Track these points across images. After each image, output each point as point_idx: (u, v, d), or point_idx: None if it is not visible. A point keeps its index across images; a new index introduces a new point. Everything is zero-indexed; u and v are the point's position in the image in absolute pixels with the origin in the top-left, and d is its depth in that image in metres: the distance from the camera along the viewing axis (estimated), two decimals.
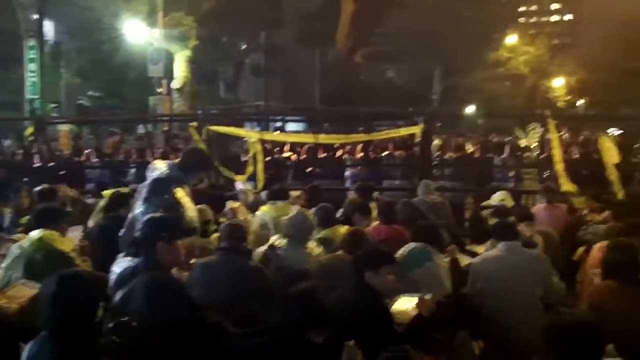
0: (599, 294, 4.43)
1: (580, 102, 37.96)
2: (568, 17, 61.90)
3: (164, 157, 10.26)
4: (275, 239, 5.40)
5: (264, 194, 7.76)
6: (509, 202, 7.38)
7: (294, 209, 6.77)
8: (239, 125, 12.75)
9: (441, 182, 10.59)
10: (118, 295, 3.35)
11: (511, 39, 31.76)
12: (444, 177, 11.72)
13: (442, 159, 12.37)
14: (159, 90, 20.29)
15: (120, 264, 3.96)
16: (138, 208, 4.83)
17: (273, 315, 3.66)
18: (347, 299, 3.92)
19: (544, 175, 10.93)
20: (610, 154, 9.02)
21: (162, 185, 4.87)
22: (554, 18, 64.47)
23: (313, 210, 5.97)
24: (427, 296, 4.00)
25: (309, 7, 25.10)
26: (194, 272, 4.50)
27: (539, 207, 7.68)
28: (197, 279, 4.43)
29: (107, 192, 6.55)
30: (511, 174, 11.45)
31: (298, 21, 26.78)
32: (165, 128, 19.10)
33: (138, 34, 20.29)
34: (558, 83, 34.39)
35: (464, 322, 4.72)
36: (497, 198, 7.28)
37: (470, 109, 34.25)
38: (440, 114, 25.70)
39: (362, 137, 11.09)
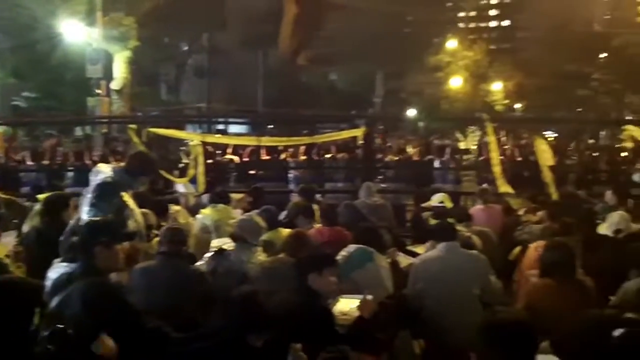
0: (536, 293, 4.57)
1: (518, 106, 39.00)
2: (506, 23, 63.61)
3: (102, 160, 10.06)
4: (222, 243, 5.37)
5: (205, 197, 7.70)
6: (448, 204, 7.53)
7: (237, 212, 6.76)
8: (180, 127, 12.61)
9: (383, 185, 10.74)
10: (54, 302, 3.26)
11: (451, 44, 32.40)
12: (386, 179, 11.87)
13: (384, 161, 12.52)
14: (97, 91, 19.80)
15: (57, 270, 3.86)
16: (84, 213, 4.72)
17: (214, 319, 3.63)
18: (289, 302, 3.92)
19: (483, 177, 11.21)
20: (545, 156, 9.32)
21: (109, 190, 4.79)
22: (493, 24, 66.15)
23: (256, 212, 5.96)
24: (369, 297, 4.03)
25: (252, 9, 25.01)
26: (134, 277, 4.43)
27: (476, 208, 7.85)
28: (137, 283, 4.37)
29: (42, 196, 6.35)
30: (451, 176, 11.69)
31: (241, 23, 26.63)
32: (104, 130, 18.67)
33: (76, 33, 19.78)
34: (496, 87, 35.21)
35: (405, 323, 4.78)
36: (437, 200, 7.42)
37: (411, 112, 34.83)
38: (382, 117, 26.07)
39: (305, 139, 11.14)
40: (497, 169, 9.16)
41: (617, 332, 3.22)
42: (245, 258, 5.00)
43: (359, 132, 9.63)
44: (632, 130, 9.21)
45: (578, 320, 3.60)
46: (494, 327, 2.85)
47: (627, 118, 28.68)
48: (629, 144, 9.46)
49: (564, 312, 4.07)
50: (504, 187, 8.98)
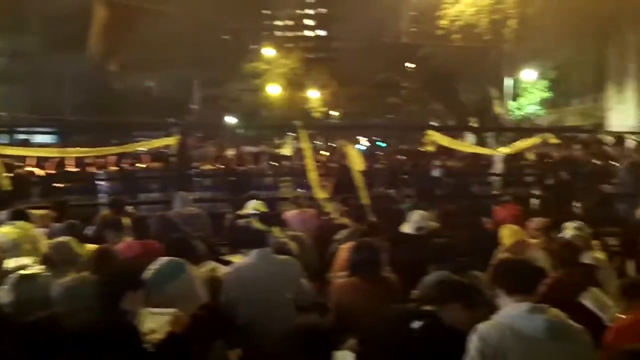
0: (344, 291, 4.72)
1: (334, 113, 40.53)
2: (322, 32, 65.87)
3: None
4: (19, 264, 4.94)
5: (3, 214, 7.05)
6: (264, 210, 7.55)
7: (39, 230, 6.29)
8: None
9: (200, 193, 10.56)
10: None
11: (268, 52, 32.87)
12: (204, 187, 11.70)
13: (200, 169, 12.32)
14: None
15: None
16: None
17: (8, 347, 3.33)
18: (92, 322, 3.70)
19: (300, 183, 11.42)
20: (356, 161, 9.71)
21: None
22: (309, 33, 68.21)
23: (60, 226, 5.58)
24: (178, 312, 3.91)
25: (57, 10, 23.35)
26: None
27: (291, 213, 7.97)
28: None
29: None
30: (268, 182, 11.79)
31: (44, 24, 24.78)
32: None
33: None
34: (314, 95, 36.29)
35: (220, 333, 4.70)
36: (252, 207, 7.41)
37: (230, 119, 34.81)
38: (199, 124, 25.78)
39: (114, 149, 10.56)
40: (312, 175, 9.36)
41: (416, 324, 3.42)
42: (54, 282, 4.64)
43: (172, 141, 9.37)
44: (432, 134, 9.89)
45: (381, 315, 3.78)
46: (293, 333, 2.93)
47: (430, 123, 31.01)
48: (430, 148, 10.12)
49: (369, 309, 4.25)
50: (319, 193, 9.20)
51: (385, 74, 34.35)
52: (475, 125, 30.33)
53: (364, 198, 9.01)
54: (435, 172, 9.93)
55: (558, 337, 3.04)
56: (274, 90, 31.88)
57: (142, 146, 10.35)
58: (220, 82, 28.82)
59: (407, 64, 34.78)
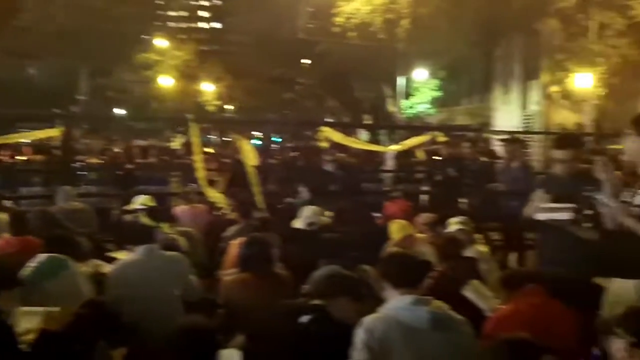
0: (234, 288, 4.66)
1: (229, 107, 40.07)
2: (217, 25, 64.94)
3: None
4: None
5: None
6: (152, 205, 7.35)
7: None
8: None
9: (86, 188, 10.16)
10: None
11: (161, 43, 31.95)
12: (90, 182, 11.27)
13: (86, 163, 11.85)
14: None
15: None
16: None
17: None
18: None
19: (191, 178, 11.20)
20: (250, 156, 9.61)
21: None
22: (203, 25, 67.08)
23: None
24: (53, 310, 3.74)
25: None
26: None
27: (181, 209, 7.82)
28: None
29: None
30: (158, 177, 11.49)
31: None
32: None
33: None
34: (208, 88, 35.67)
35: (103, 331, 4.53)
36: (139, 202, 7.18)
37: (120, 111, 33.65)
38: (85, 116, 24.77)
39: None
40: (200, 171, 9.17)
41: (304, 319, 3.43)
42: None
43: (56, 132, 8.90)
44: (326, 131, 9.97)
45: (269, 311, 3.76)
46: (177, 333, 2.88)
47: (325, 120, 31.39)
48: (324, 144, 10.19)
49: (259, 305, 4.22)
50: (207, 189, 9.03)
51: (281, 69, 34.37)
52: (369, 122, 30.98)
53: (257, 193, 8.96)
54: (328, 167, 10.02)
55: (440, 328, 3.14)
56: (166, 82, 31.04)
57: (24, 137, 9.78)
58: (108, 73, 27.68)
59: (303, 60, 34.98)
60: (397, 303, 3.22)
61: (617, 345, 3.06)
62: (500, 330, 3.69)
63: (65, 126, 8.89)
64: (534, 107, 22.94)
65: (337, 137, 10.07)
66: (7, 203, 7.31)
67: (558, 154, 4.63)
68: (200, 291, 5.10)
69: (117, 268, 4.87)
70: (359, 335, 3.13)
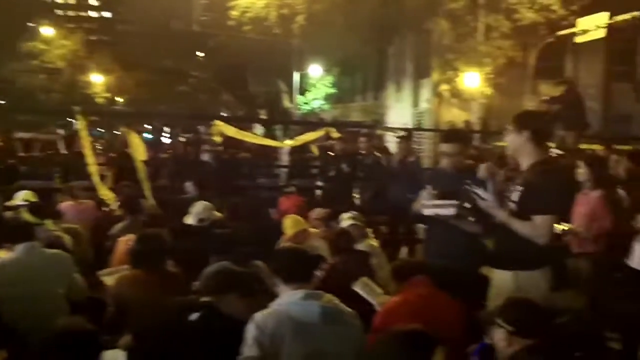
0: (124, 285, 4.51)
1: (119, 99, 38.83)
2: (107, 14, 62.77)
3: None
4: None
5: None
6: (34, 201, 6.99)
7: None
8: None
9: None
10: None
11: (47, 31, 30.50)
12: None
13: None
14: None
15: None
16: None
17: None
18: None
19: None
20: (139, 150, 9.32)
21: None
22: (93, 14, 64.65)
23: None
24: None
25: None
26: None
27: (66, 205, 7.49)
28: None
29: None
30: (43, 171, 10.96)
31: None
32: None
33: None
34: (97, 79, 34.43)
35: None
36: (21, 197, 6.81)
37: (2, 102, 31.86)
38: None
39: None
40: (91, 166, 8.82)
41: (193, 316, 3.36)
42: None
43: None
44: (219, 124, 9.86)
45: (158, 308, 3.66)
46: (56, 336, 2.78)
47: (220, 114, 31.05)
48: (217, 138, 10.07)
49: (149, 302, 4.10)
50: (99, 184, 8.70)
51: (174, 61, 33.70)
52: (264, 117, 30.96)
53: (146, 189, 8.71)
54: (204, 157, 9.96)
55: (330, 321, 3.17)
56: (52, 72, 29.65)
57: None
58: None
59: (198, 53, 34.47)
60: (288, 298, 3.22)
61: (499, 335, 3.21)
62: (389, 321, 3.77)
63: None
64: (424, 104, 23.57)
65: (231, 131, 9.98)
66: None
67: (445, 147, 4.79)
68: (85, 290, 4.92)
69: None
70: (250, 331, 3.11)
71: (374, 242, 6.10)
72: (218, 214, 6.36)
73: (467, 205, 4.17)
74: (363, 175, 9.99)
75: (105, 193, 8.47)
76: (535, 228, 3.81)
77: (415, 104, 24.33)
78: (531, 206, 3.85)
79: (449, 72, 20.15)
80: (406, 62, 24.43)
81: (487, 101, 19.88)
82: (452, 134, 5.06)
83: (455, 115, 22.14)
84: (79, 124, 9.01)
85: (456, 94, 20.81)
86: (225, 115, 33.65)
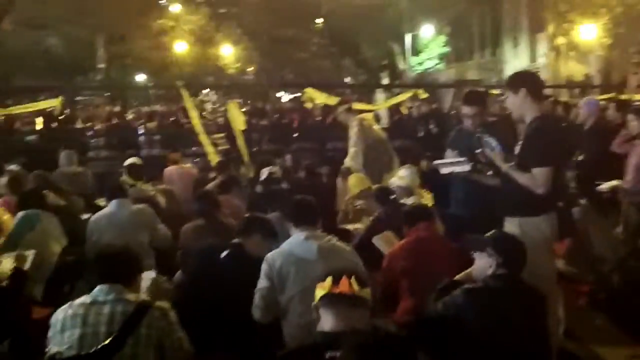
0: (188, 231, 5.38)
1: (250, 69, 40.30)
2: None
3: None
4: None
5: None
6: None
7: None
8: None
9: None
10: None
11: (175, 8, 32.31)
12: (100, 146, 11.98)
13: (93, 129, 12.57)
14: None
15: None
16: None
17: None
18: None
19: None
20: (239, 120, 10.25)
21: None
22: None
23: None
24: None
25: None
26: None
27: (169, 169, 8.52)
28: None
29: None
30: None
31: None
32: None
33: None
34: (227, 51, 35.79)
35: (83, 274, 5.30)
36: (129, 161, 7.85)
37: (140, 78, 34.28)
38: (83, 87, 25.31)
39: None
40: (201, 135, 9.76)
41: (223, 254, 4.13)
42: None
43: (56, 102, 9.66)
44: (309, 92, 10.55)
45: (201, 249, 4.47)
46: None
47: (346, 82, 31.55)
48: (309, 105, 10.75)
49: (200, 245, 4.86)
50: (210, 151, 9.63)
51: (294, 29, 34.25)
52: (384, 83, 31.09)
53: (244, 154, 9.64)
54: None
55: (326, 257, 3.75)
56: (182, 47, 31.42)
57: (28, 108, 10.51)
58: (126, 40, 28.10)
59: (316, 20, 35.05)
60: (293, 239, 3.88)
61: (484, 261, 3.54)
62: (391, 264, 4.36)
63: (66, 97, 9.64)
64: (542, 59, 22.97)
65: (321, 97, 10.57)
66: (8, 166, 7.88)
67: (466, 109, 5.16)
68: (170, 239, 5.86)
69: (93, 219, 5.78)
70: (263, 268, 3.80)
71: (425, 197, 6.43)
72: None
73: (482, 159, 4.58)
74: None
75: (213, 158, 9.54)
76: (533, 179, 4.10)
77: (533, 59, 23.71)
78: (529, 159, 4.15)
79: (564, 25, 19.47)
80: (521, 16, 23.81)
81: (606, 53, 19.02)
82: (472, 96, 5.34)
83: (573, 69, 21.41)
84: (184, 97, 10.07)
85: (573, 47, 20.09)
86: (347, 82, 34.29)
